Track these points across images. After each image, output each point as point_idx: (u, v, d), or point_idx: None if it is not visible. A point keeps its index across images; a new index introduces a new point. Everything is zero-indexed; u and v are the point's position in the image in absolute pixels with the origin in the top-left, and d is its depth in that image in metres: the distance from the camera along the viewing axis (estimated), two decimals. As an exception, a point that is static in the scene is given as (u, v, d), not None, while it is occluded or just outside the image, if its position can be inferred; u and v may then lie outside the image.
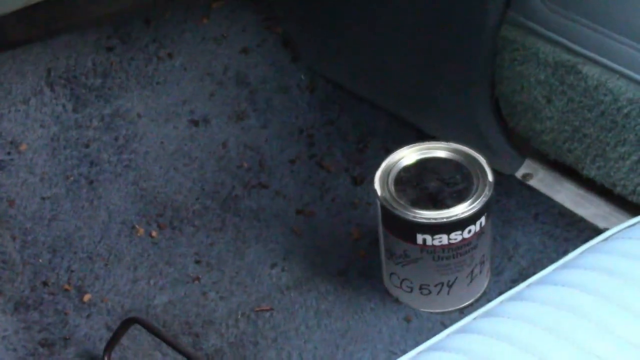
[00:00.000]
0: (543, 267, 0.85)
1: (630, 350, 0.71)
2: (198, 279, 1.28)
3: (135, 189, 1.36)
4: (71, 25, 1.22)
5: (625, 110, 1.20)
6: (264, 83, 1.48)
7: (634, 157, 1.22)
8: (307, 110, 1.48)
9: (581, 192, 1.34)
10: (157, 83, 1.43)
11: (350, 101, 1.48)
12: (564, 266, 0.84)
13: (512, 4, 1.28)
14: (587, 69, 1.23)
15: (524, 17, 1.27)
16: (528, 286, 0.83)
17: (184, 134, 1.42)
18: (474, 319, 0.80)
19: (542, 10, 1.26)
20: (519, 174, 1.38)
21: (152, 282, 1.27)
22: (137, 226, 1.33)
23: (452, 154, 1.23)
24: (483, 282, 1.26)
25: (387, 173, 1.21)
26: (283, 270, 1.29)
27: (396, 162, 1.22)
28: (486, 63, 1.32)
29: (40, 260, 1.27)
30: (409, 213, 1.17)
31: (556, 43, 1.25)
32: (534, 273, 0.84)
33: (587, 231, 1.28)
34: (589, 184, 1.32)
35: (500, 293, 0.84)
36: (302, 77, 1.49)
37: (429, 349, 0.78)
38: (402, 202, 1.18)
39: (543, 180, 1.37)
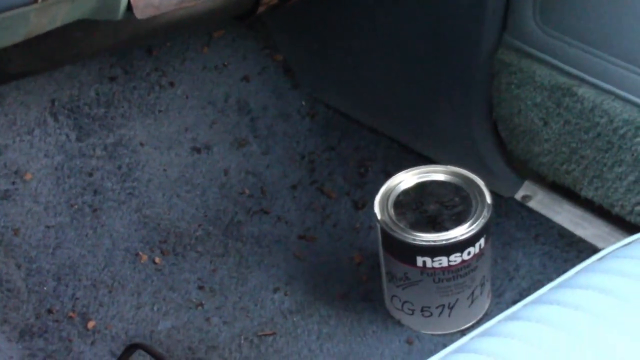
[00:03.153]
0: (542, 287, 0.85)
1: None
2: (201, 304, 1.28)
3: (138, 216, 1.37)
4: (74, 56, 1.23)
5: (621, 132, 1.21)
6: (265, 110, 1.49)
7: (631, 178, 1.23)
8: (308, 136, 1.49)
9: (580, 213, 1.35)
10: (160, 111, 1.45)
11: (350, 126, 1.49)
12: (559, 286, 0.85)
13: (508, 27, 1.29)
14: (583, 91, 1.23)
15: (519, 40, 1.28)
16: (524, 306, 0.84)
17: (186, 161, 1.43)
18: (471, 339, 0.81)
19: (537, 34, 1.27)
20: (518, 196, 1.39)
21: (155, 308, 1.28)
22: (140, 253, 1.34)
23: (451, 176, 1.24)
24: (484, 304, 1.26)
25: (386, 197, 1.22)
26: (285, 294, 1.30)
27: (395, 186, 1.23)
28: (483, 86, 1.33)
29: (45, 288, 1.28)
30: (408, 236, 1.18)
31: (552, 66, 1.26)
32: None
33: (586, 252, 1.28)
34: (588, 205, 1.32)
35: (501, 313, 0.84)
36: (303, 103, 1.51)
37: None
38: (401, 225, 1.19)
39: (542, 202, 1.38)
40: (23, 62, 1.12)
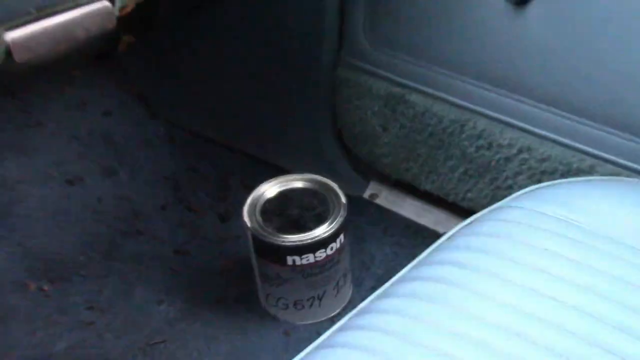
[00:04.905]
0: (397, 272, 0.91)
1: (484, 330, 0.78)
2: (92, 323, 1.31)
3: (21, 249, 1.38)
4: None
5: (449, 130, 1.30)
6: (128, 140, 1.53)
7: (461, 169, 1.32)
8: (169, 159, 1.54)
9: (421, 204, 1.42)
10: (32, 150, 1.47)
11: (208, 147, 1.55)
12: (417, 264, 0.91)
13: (344, 47, 1.36)
14: (414, 98, 1.31)
15: (354, 58, 1.36)
16: (391, 284, 0.89)
17: (61, 193, 1.45)
18: (350, 318, 0.86)
19: (368, 51, 1.34)
20: (366, 195, 1.46)
21: (49, 331, 1.30)
22: (27, 282, 1.35)
23: (308, 183, 1.30)
24: (348, 292, 1.34)
25: (253, 206, 1.28)
26: (169, 305, 1.34)
27: (260, 196, 1.29)
28: (327, 99, 1.41)
29: None
30: (277, 239, 1.24)
31: (385, 78, 1.34)
32: (389, 279, 0.89)
33: (430, 237, 1.31)
34: (427, 197, 1.40)
35: (362, 300, 0.89)
36: (162, 130, 1.56)
37: (315, 348, 0.83)
38: (270, 230, 1.25)
39: (387, 199, 1.45)
40: None
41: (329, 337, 0.85)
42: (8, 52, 0.98)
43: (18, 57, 0.98)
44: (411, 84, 1.32)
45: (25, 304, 1.33)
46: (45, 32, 1.00)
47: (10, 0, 0.93)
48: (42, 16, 0.99)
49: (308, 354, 0.82)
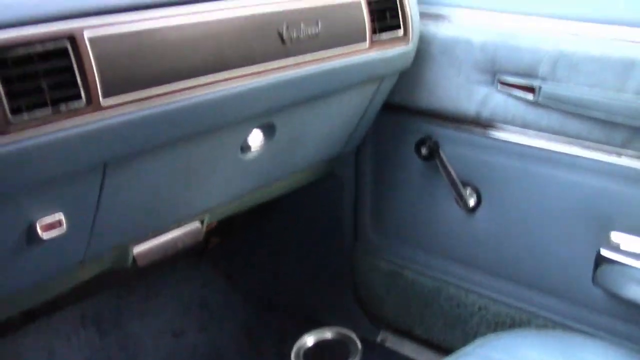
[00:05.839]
0: None
1: None
2: None
3: None
4: (99, 287, 1.25)
5: (431, 295, 1.27)
6: (217, 303, 1.49)
7: (441, 321, 1.29)
8: (246, 317, 1.48)
9: (416, 345, 1.37)
10: (151, 312, 1.44)
11: (270, 309, 1.51)
12: None
13: (358, 240, 1.36)
14: (406, 273, 1.29)
15: (365, 247, 1.35)
16: None
17: (169, 342, 1.41)
18: None
19: (375, 243, 1.34)
20: (378, 339, 1.42)
21: None
22: None
23: (334, 334, 1.27)
24: None
25: (298, 350, 1.25)
26: None
27: (304, 344, 1.26)
28: (349, 275, 1.39)
29: None
30: None
31: (386, 260, 1.33)
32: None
33: None
34: (420, 340, 1.35)
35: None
36: (239, 296, 1.51)
37: None
38: None
39: (392, 341, 1.41)
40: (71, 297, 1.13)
41: None
42: (133, 259, 1.02)
43: (140, 263, 1.01)
44: (404, 263, 1.32)
45: None
46: (157, 246, 1.02)
47: (136, 232, 0.96)
48: (155, 236, 1.02)
49: None
